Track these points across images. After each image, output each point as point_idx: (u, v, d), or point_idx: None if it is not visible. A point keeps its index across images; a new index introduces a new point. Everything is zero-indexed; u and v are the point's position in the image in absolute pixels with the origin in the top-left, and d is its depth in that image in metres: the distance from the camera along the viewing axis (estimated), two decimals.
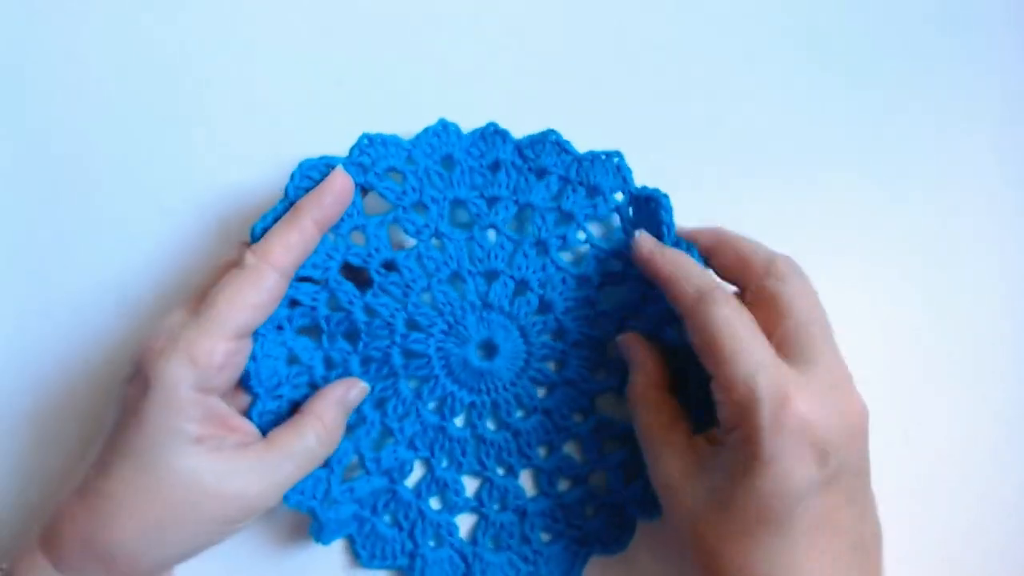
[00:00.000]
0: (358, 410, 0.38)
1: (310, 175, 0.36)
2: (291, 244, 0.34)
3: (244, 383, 0.36)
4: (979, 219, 0.42)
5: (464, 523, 0.39)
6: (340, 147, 0.37)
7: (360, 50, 0.40)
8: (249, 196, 0.39)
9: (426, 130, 0.37)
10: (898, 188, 0.42)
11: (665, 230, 0.37)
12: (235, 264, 0.34)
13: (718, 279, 0.35)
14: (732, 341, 0.32)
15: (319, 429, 0.35)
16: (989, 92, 0.43)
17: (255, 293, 0.33)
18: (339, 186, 0.36)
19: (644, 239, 0.36)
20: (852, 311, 0.40)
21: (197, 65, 0.40)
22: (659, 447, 0.35)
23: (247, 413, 0.36)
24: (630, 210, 0.38)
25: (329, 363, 0.38)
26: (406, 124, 0.38)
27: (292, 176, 0.36)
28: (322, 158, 0.36)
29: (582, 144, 0.38)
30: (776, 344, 0.33)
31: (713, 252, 0.36)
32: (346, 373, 0.37)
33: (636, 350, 0.37)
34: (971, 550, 0.40)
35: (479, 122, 0.38)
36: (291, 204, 0.36)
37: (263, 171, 0.39)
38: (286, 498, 0.35)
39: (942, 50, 0.43)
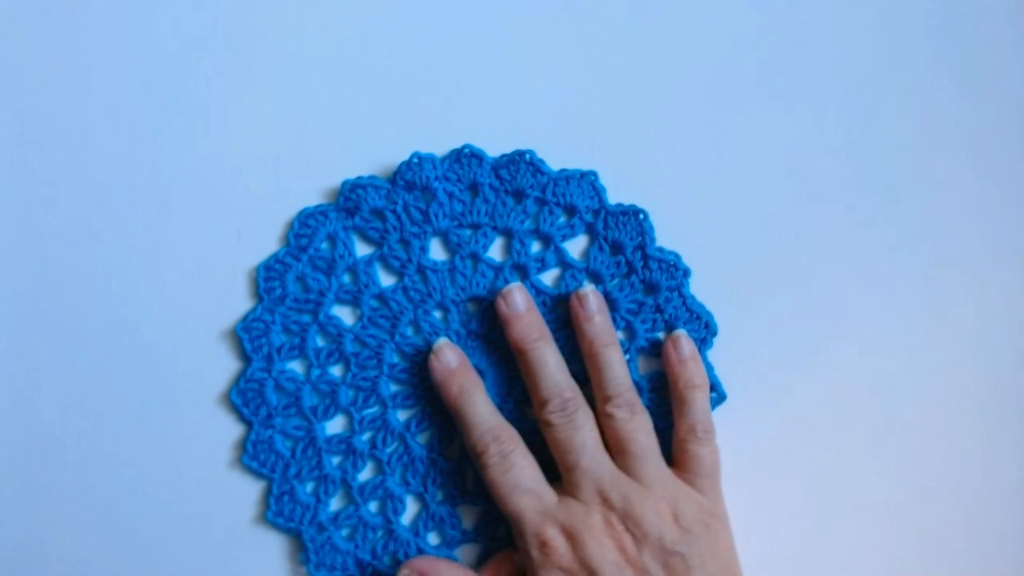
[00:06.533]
0: (348, 443, 0.38)
1: (308, 223, 0.39)
2: None
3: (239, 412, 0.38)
4: (979, 220, 0.40)
5: (466, 555, 0.39)
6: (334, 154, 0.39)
7: (340, 72, 0.40)
8: (251, 197, 0.40)
9: (401, 165, 0.38)
10: (888, 198, 0.40)
11: (648, 241, 0.38)
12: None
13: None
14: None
15: None
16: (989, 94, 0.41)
17: None
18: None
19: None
20: (841, 323, 0.40)
21: (200, 65, 0.40)
22: None
23: (243, 442, 0.38)
24: (605, 227, 0.38)
25: (318, 394, 0.38)
26: (400, 136, 0.39)
27: (292, 225, 0.39)
28: (318, 206, 0.39)
29: (556, 161, 0.39)
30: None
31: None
32: (335, 404, 0.38)
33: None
34: (969, 550, 0.39)
35: (456, 142, 0.39)
36: (295, 248, 0.38)
37: (266, 173, 0.40)
38: (270, 517, 0.38)
39: (932, 54, 0.41)
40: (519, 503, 0.35)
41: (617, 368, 0.37)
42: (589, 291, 0.37)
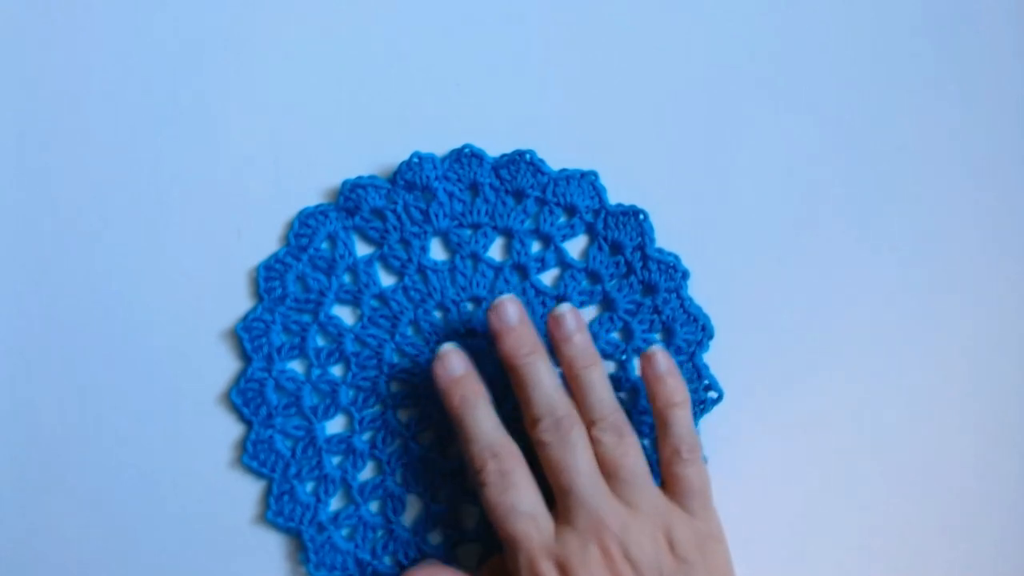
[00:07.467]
0: (348, 443, 0.38)
1: (308, 223, 0.39)
2: None
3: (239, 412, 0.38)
4: (979, 221, 0.40)
5: (466, 555, 0.38)
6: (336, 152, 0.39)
7: (352, 67, 0.40)
8: (251, 197, 0.40)
9: (401, 165, 0.38)
10: (888, 199, 0.40)
11: (647, 241, 0.38)
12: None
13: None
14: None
15: None
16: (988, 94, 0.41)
17: None
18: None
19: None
20: (841, 325, 0.40)
21: (200, 65, 0.40)
22: None
23: (243, 442, 0.38)
24: (605, 227, 0.38)
25: (318, 394, 0.39)
26: (401, 136, 0.40)
27: (292, 225, 0.39)
28: (318, 206, 0.39)
29: (556, 161, 0.39)
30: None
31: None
32: (335, 404, 0.38)
33: None
34: (969, 554, 0.39)
35: (456, 142, 0.39)
36: (296, 248, 0.38)
37: (266, 173, 0.40)
38: (270, 517, 0.38)
39: (930, 54, 0.41)
40: (515, 528, 0.34)
41: (600, 390, 0.35)
42: (566, 310, 0.36)
